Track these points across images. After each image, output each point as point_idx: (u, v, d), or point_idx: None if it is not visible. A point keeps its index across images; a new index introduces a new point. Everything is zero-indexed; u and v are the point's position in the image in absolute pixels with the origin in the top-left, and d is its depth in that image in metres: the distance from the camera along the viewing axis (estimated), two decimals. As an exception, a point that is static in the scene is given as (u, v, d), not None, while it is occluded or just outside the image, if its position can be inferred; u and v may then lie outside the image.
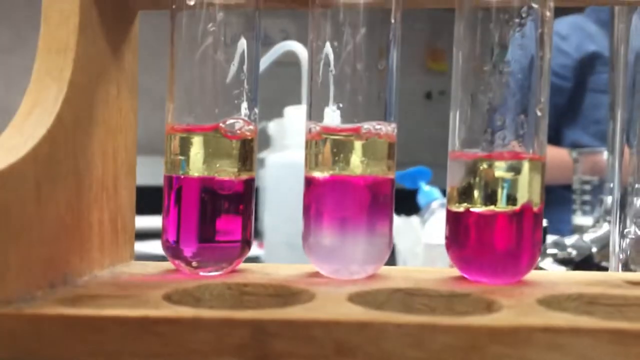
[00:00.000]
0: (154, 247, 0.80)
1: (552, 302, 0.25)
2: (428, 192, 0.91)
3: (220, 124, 0.28)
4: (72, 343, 0.21)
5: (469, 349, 0.20)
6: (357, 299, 0.25)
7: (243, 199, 0.29)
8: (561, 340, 0.20)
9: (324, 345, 0.21)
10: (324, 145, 0.28)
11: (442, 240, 0.89)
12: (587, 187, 0.89)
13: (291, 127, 0.84)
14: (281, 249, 0.71)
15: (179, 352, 0.21)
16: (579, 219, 0.88)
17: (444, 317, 0.22)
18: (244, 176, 0.29)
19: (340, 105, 0.28)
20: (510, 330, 0.20)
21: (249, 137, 0.29)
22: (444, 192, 0.94)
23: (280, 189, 0.80)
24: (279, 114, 0.87)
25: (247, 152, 0.29)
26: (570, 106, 1.21)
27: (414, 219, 0.87)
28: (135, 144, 0.32)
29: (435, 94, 1.93)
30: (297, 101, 0.86)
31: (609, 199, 0.71)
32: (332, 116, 0.28)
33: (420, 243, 0.81)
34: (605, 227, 0.72)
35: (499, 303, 0.24)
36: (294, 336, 0.21)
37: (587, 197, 0.89)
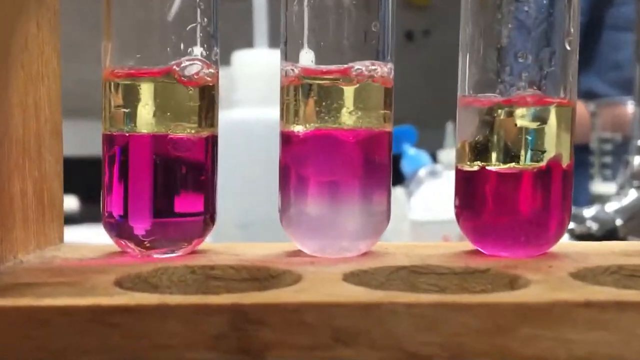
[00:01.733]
0: (83, 234, 0.80)
1: (587, 275, 0.26)
2: (414, 157, 0.93)
3: (174, 67, 0.28)
4: (10, 340, 0.21)
5: (494, 331, 0.21)
6: (352, 279, 0.26)
7: (204, 162, 0.29)
8: (605, 317, 0.21)
9: (320, 332, 0.22)
10: (305, 92, 0.29)
11: (433, 216, 0.90)
12: (608, 147, 0.91)
13: (241, 77, 0.84)
14: (231, 232, 0.72)
15: (141, 347, 0.21)
16: (599, 186, 0.91)
17: (462, 295, 0.23)
18: (205, 133, 0.29)
19: (322, 43, 0.29)
20: (544, 308, 0.22)
21: (210, 83, 0.29)
22: (432, 157, 0.96)
23: (228, 156, 0.80)
24: (224, 61, 0.87)
25: (208, 102, 0.29)
26: (584, 47, 1.24)
27: (398, 191, 0.89)
28: (60, 97, 0.32)
29: (417, 34, 1.94)
30: (248, 44, 0.86)
31: (636, 160, 0.74)
32: (308, 55, 0.29)
33: (406, 220, 0.82)
34: (632, 195, 0.75)
35: (525, 278, 0.25)
36: (282, 323, 0.22)
37: (607, 159, 0.91)
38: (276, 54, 0.79)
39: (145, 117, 0.28)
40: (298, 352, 0.22)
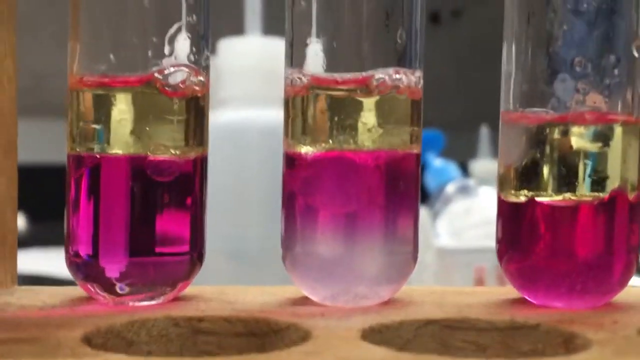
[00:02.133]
0: (33, 262, 0.80)
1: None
2: (440, 170, 0.93)
3: (155, 74, 0.28)
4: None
5: (549, 405, 0.22)
6: (373, 336, 0.26)
7: (192, 189, 0.29)
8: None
9: (336, 406, 0.22)
10: (315, 105, 0.29)
11: (464, 243, 0.90)
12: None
13: (230, 71, 0.84)
14: (219, 262, 0.72)
15: (118, 423, 0.22)
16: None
17: (508, 358, 0.23)
18: (193, 154, 0.29)
19: (334, 44, 0.29)
20: (608, 377, 0.22)
21: (199, 94, 0.30)
22: (462, 168, 0.96)
23: (214, 169, 0.80)
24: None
25: (196, 116, 0.30)
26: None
27: (421, 211, 0.89)
28: (15, 100, 0.32)
29: (445, 15, 1.94)
30: (237, 30, 0.86)
31: None
32: (318, 61, 0.29)
33: (431, 248, 0.83)
34: None
35: (583, 337, 0.25)
36: (290, 394, 0.22)
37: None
38: (272, 43, 0.79)
39: (121, 135, 0.28)
40: None
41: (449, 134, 0.98)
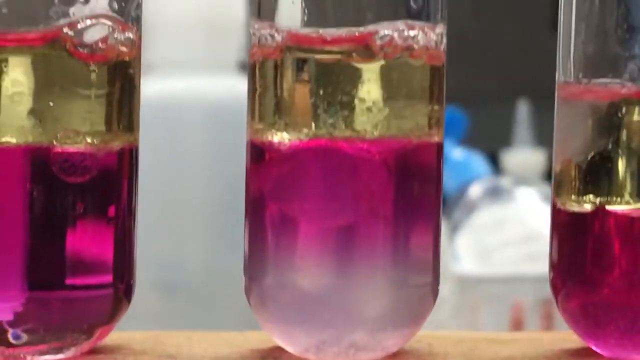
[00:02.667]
0: None
1: None
2: (461, 164, 0.93)
3: (64, 29, 0.28)
4: None
5: None
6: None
7: (116, 193, 0.29)
8: None
9: None
10: (293, 75, 0.29)
11: (494, 269, 0.91)
12: None
13: (161, 24, 0.84)
14: (148, 296, 0.71)
15: None
16: None
17: None
18: (117, 143, 0.29)
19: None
20: None
21: (126, 58, 0.29)
22: (492, 161, 0.96)
23: (140, 164, 0.80)
24: None
25: (123, 89, 0.29)
26: None
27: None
28: None
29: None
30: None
31: None
32: (297, 11, 0.29)
33: (448, 275, 0.83)
34: None
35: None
36: None
37: None
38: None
39: (14, 116, 0.28)
40: None
41: (473, 112, 0.98)
